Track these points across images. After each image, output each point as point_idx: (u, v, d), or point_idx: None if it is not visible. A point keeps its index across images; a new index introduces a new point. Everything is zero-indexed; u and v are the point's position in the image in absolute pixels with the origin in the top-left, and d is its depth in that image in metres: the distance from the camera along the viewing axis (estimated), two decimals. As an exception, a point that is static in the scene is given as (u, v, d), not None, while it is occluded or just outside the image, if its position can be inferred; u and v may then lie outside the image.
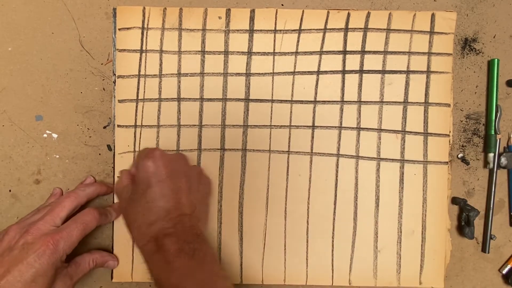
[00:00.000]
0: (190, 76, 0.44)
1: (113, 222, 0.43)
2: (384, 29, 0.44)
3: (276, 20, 0.44)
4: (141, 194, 0.37)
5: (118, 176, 0.43)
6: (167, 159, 0.38)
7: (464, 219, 0.44)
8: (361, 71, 0.44)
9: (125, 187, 0.39)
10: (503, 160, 0.44)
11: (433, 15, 0.44)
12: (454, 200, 0.45)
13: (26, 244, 0.35)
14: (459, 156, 0.45)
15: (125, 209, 0.39)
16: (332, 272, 0.44)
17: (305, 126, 0.44)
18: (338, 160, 0.44)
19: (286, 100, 0.44)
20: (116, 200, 0.44)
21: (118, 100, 0.44)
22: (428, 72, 0.44)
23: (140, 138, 0.44)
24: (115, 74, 0.44)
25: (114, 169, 0.44)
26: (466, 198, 0.45)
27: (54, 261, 0.35)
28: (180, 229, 0.35)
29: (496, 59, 0.44)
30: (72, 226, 0.37)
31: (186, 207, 0.37)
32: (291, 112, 0.44)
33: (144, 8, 0.44)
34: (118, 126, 0.44)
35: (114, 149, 0.44)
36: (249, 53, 0.44)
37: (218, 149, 0.44)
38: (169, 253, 0.34)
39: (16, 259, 0.34)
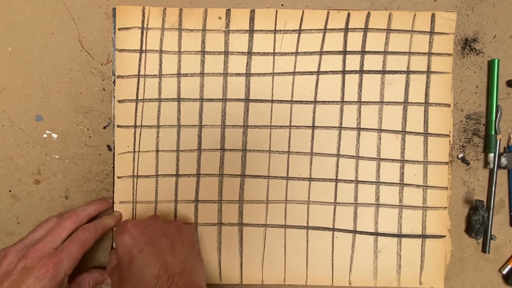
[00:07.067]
0: (190, 76, 0.44)
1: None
2: (384, 29, 0.44)
3: (276, 20, 0.44)
4: (127, 270, 0.36)
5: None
6: (141, 227, 0.38)
7: (478, 222, 0.43)
8: (361, 71, 0.44)
9: (113, 269, 0.38)
10: (503, 160, 0.44)
11: (433, 15, 0.44)
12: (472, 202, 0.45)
13: (26, 268, 0.34)
14: (459, 156, 0.45)
15: None
16: (332, 272, 0.44)
17: (305, 126, 0.44)
18: (338, 160, 0.44)
19: (286, 100, 0.44)
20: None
21: (118, 100, 0.44)
22: (428, 72, 0.44)
23: (140, 138, 0.44)
24: (115, 74, 0.44)
25: (114, 169, 0.44)
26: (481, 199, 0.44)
27: (55, 284, 0.34)
28: None
29: (496, 59, 0.44)
30: (70, 245, 0.36)
31: (175, 265, 0.36)
32: (291, 112, 0.44)
33: (144, 8, 0.44)
34: (118, 126, 0.44)
35: (114, 149, 0.44)
36: (249, 53, 0.44)
37: (218, 149, 0.44)
38: None
39: (15, 284, 0.33)
